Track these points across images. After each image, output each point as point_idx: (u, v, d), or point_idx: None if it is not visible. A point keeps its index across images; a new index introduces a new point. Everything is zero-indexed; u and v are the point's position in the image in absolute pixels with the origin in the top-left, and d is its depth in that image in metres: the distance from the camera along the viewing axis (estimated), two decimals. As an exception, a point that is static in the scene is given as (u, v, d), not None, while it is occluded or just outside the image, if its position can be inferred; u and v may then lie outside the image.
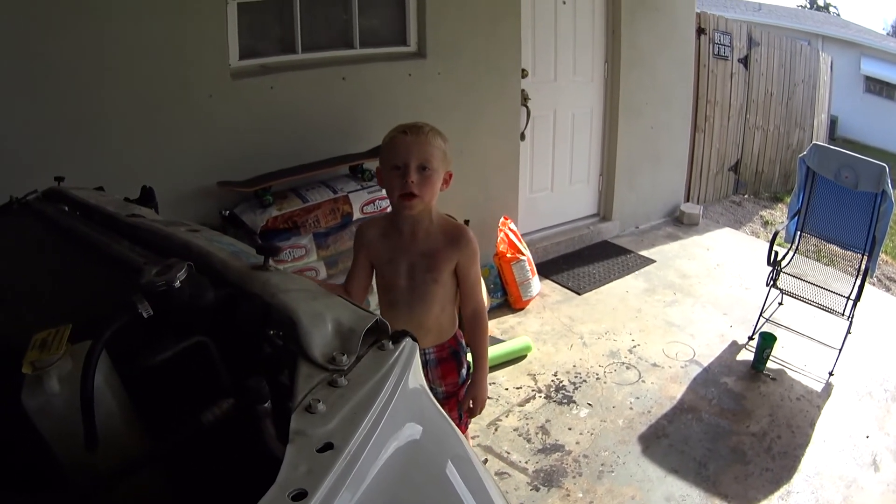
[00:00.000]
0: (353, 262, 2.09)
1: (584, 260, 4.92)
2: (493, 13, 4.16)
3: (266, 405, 0.82)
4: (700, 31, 5.87)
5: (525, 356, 3.70)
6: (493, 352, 3.60)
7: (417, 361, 0.95)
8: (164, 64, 3.19)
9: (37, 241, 1.52)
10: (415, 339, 0.96)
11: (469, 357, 2.16)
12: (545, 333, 3.96)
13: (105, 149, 3.12)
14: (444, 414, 1.01)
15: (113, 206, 1.57)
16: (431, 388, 2.11)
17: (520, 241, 4.25)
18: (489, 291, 4.16)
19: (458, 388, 2.14)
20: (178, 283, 0.88)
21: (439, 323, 2.03)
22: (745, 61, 6.63)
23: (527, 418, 3.21)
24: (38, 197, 1.83)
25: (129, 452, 0.82)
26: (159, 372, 0.84)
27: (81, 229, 1.42)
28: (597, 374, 3.54)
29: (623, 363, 3.65)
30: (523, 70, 4.41)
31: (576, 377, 3.53)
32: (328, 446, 0.74)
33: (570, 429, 3.14)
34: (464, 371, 2.15)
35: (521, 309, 4.25)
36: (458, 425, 2.16)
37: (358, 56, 3.81)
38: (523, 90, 4.44)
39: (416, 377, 0.94)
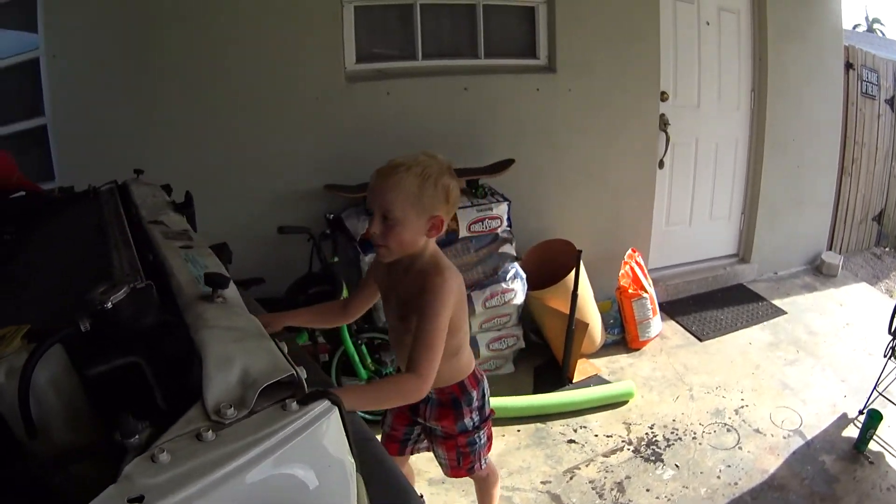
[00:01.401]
0: (361, 280, 2.03)
1: (715, 303, 4.50)
2: (629, 29, 3.89)
3: (133, 440, 0.81)
4: (848, 65, 5.30)
5: (626, 402, 3.43)
6: (593, 394, 3.38)
7: (335, 427, 0.90)
8: (278, 63, 3.19)
9: (78, 231, 1.63)
10: (335, 402, 0.90)
11: (477, 405, 2.01)
12: (654, 380, 3.65)
13: (216, 146, 3.15)
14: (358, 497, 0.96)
15: (147, 209, 1.66)
16: (430, 426, 2.02)
17: (645, 276, 3.89)
18: (607, 327, 3.82)
19: (458, 435, 2.00)
20: (109, 305, 0.91)
21: None
22: (891, 102, 5.98)
23: (607, 471, 2.96)
24: (112, 188, 1.96)
25: (69, 445, 0.90)
26: (114, 379, 0.90)
27: (110, 229, 1.50)
28: (694, 433, 3.22)
29: (725, 425, 3.29)
30: (663, 92, 4.08)
31: (672, 433, 3.22)
32: (139, 499, 0.72)
33: (647, 490, 2.85)
34: (467, 421, 1.98)
35: (637, 349, 3.93)
36: (455, 467, 2.07)
37: (482, 66, 3.67)
38: (663, 114, 4.11)
39: (332, 443, 0.90)
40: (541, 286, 3.57)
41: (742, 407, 3.42)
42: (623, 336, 3.93)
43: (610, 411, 3.36)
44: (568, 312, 3.43)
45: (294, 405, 0.87)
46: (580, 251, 3.43)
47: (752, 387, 3.60)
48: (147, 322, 0.95)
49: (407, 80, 3.47)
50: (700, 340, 4.04)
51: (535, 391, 3.52)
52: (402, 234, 1.64)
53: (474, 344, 3.52)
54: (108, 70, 3.00)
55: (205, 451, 0.78)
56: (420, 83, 3.49)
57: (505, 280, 3.45)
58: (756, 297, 4.63)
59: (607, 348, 3.88)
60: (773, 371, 3.76)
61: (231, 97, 3.13)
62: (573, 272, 3.43)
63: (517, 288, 3.47)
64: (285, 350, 0.97)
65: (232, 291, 1.11)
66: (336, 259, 3.23)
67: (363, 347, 3.17)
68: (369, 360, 3.18)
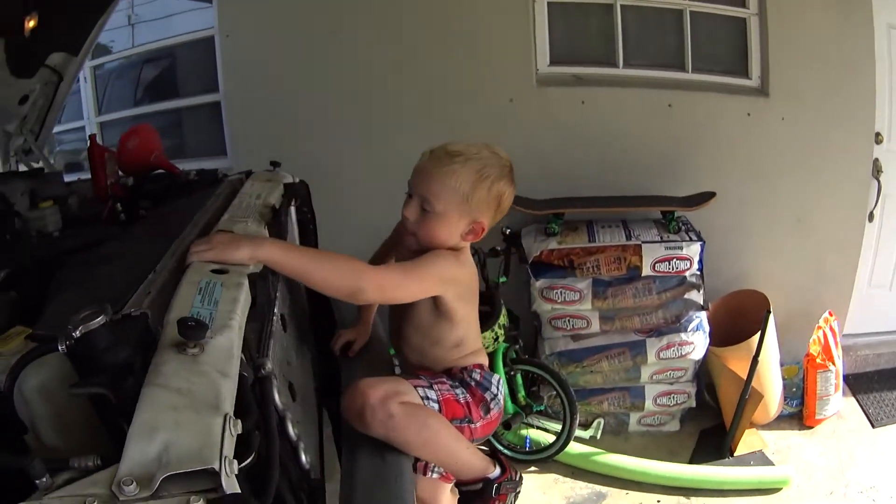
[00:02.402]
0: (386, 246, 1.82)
1: (897, 382, 3.97)
2: (842, 55, 3.37)
3: (42, 481, 0.81)
4: None
5: (780, 489, 2.99)
6: (745, 477, 3.00)
7: None
8: (464, 60, 3.04)
9: (173, 223, 1.58)
10: None
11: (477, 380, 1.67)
12: (816, 468, 3.18)
13: (389, 142, 3.00)
14: None
15: (236, 211, 1.60)
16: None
17: (836, 345, 3.40)
18: (787, 395, 3.38)
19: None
20: (77, 334, 0.89)
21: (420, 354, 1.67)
22: None
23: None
24: (241, 178, 1.96)
25: (60, 449, 0.92)
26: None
27: (189, 228, 1.48)
28: (832, 540, 2.81)
29: (863, 535, 2.86)
30: (877, 133, 3.52)
31: (811, 535, 2.81)
32: None
33: None
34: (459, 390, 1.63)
35: (811, 427, 3.43)
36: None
37: (689, 82, 3.26)
38: (876, 159, 3.56)
39: None
40: (725, 341, 3.14)
41: (884, 515, 2.99)
42: (801, 409, 3.45)
43: (760, 497, 2.96)
44: (745, 377, 3.00)
45: None
46: (768, 311, 2.98)
47: (901, 490, 3.17)
48: (117, 358, 0.91)
49: (605, 88, 3.13)
50: (872, 426, 3.53)
51: (693, 457, 3.13)
52: (436, 230, 1.50)
53: (639, 394, 3.17)
54: (280, 54, 3.00)
55: None
56: (619, 94, 3.14)
57: (686, 330, 3.04)
58: (937, 381, 4.10)
59: (781, 420, 3.41)
60: (927, 475, 3.29)
61: (409, 93, 3.01)
62: (759, 334, 2.99)
63: (698, 341, 3.06)
64: (235, 432, 0.85)
65: (224, 340, 1.00)
66: (504, 279, 2.96)
67: (518, 378, 2.91)
68: (522, 394, 2.92)
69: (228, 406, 0.88)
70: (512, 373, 2.90)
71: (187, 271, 1.19)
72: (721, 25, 3.31)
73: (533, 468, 3.03)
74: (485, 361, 1.69)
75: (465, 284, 1.57)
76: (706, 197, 3.08)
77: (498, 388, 1.66)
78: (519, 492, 1.72)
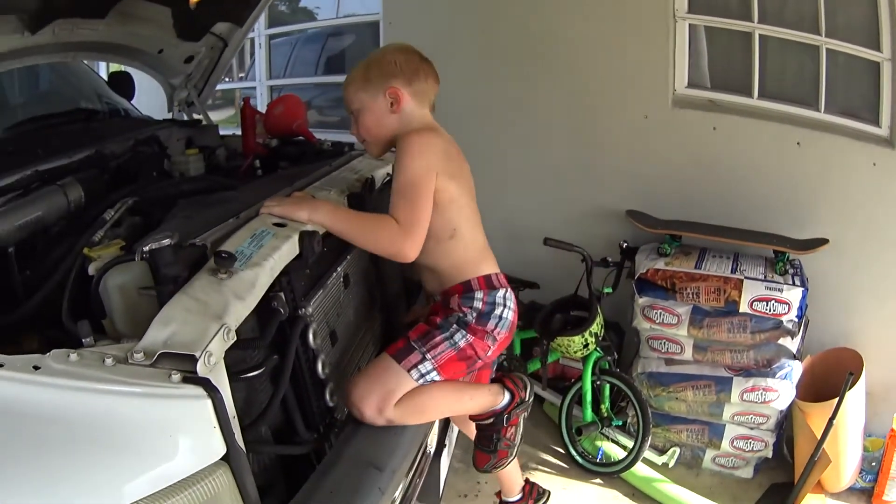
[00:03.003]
0: None
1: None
2: None
3: (87, 340, 1.09)
4: None
5: None
6: None
7: (201, 412, 0.97)
8: (602, 72, 3.11)
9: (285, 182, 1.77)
10: (210, 396, 0.97)
11: (478, 308, 1.66)
12: None
13: (523, 139, 3.20)
14: None
15: (328, 182, 1.84)
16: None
17: (923, 425, 3.22)
18: (863, 469, 3.19)
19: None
20: (146, 249, 1.14)
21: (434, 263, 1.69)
22: None
23: None
24: (361, 153, 2.19)
25: (125, 336, 1.14)
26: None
27: (288, 190, 1.69)
28: None
29: None
30: None
31: None
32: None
33: None
34: (452, 319, 1.64)
35: None
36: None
37: (819, 121, 3.12)
38: None
39: (191, 422, 0.97)
40: (814, 397, 3.00)
41: None
42: (874, 486, 3.20)
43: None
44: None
45: (176, 377, 0.97)
46: (851, 374, 2.83)
47: None
48: (173, 272, 1.15)
49: (737, 117, 3.06)
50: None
51: (751, 510, 3.01)
52: (367, 124, 1.67)
53: (718, 432, 3.08)
54: (437, 48, 3.12)
55: (95, 368, 0.97)
56: (750, 125, 3.05)
57: (773, 376, 2.93)
58: None
59: (851, 492, 3.19)
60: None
61: (552, 97, 3.10)
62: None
63: (783, 390, 2.94)
64: (228, 339, 1.06)
65: (250, 274, 1.21)
66: (610, 290, 3.00)
67: (605, 389, 2.99)
68: (605, 405, 2.97)
69: (231, 320, 1.09)
70: (598, 382, 2.94)
71: (254, 219, 1.40)
72: (856, 67, 3.14)
73: (598, 480, 3.03)
74: (491, 269, 1.69)
75: (443, 150, 1.63)
76: (817, 243, 2.98)
77: (505, 304, 1.67)
78: (530, 405, 1.79)
